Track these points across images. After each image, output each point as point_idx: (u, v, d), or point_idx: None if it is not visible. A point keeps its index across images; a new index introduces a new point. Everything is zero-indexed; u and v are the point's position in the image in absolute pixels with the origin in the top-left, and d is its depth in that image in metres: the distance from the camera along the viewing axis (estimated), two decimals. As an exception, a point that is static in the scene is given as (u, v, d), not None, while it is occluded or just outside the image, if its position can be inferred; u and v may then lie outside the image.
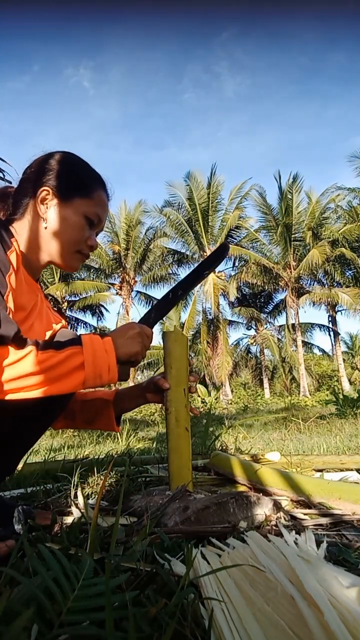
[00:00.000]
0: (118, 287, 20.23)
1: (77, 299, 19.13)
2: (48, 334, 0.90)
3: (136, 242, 19.50)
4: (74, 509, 0.92)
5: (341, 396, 6.23)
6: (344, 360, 22.71)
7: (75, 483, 1.11)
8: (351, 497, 0.87)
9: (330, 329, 20.92)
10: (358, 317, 18.00)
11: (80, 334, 0.79)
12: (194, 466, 1.44)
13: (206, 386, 18.11)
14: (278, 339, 21.42)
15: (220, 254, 1.06)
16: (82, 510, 0.89)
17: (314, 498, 0.91)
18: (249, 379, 25.77)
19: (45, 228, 0.85)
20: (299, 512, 0.86)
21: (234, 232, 19.22)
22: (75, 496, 1.02)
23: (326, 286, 18.73)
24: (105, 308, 20.47)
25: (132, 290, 20.30)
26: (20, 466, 1.41)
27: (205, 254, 19.14)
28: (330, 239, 16.94)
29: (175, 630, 0.41)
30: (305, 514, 0.85)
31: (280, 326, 21.98)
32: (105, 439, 3.25)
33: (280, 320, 22.31)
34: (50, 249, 0.87)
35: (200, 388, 14.83)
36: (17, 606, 0.40)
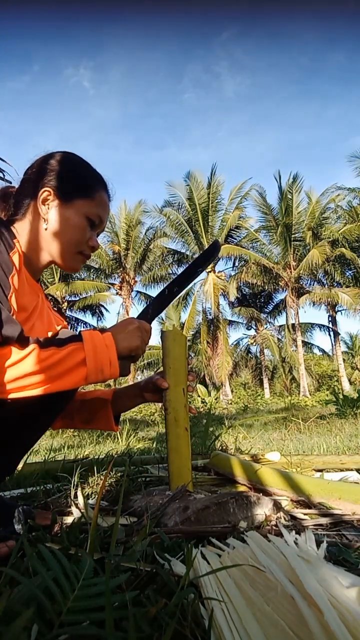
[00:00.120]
0: (118, 287, 20.23)
1: (77, 299, 19.13)
2: (49, 335, 0.90)
3: (136, 242, 19.50)
4: (74, 509, 0.92)
5: (341, 396, 6.23)
6: (344, 360, 22.71)
7: (75, 483, 1.11)
8: (351, 497, 0.87)
9: (330, 329, 20.92)
10: (358, 317, 18.01)
11: (80, 331, 0.79)
12: (194, 466, 1.44)
13: (206, 386, 18.11)
14: (278, 339, 21.42)
15: (212, 251, 1.07)
16: (82, 510, 0.89)
17: (314, 498, 0.91)
18: (249, 379, 25.76)
19: (46, 229, 0.86)
20: (299, 512, 0.86)
21: (234, 232, 19.23)
22: (75, 496, 1.02)
23: (326, 286, 18.73)
24: (105, 308, 20.48)
25: (132, 290, 20.31)
26: (20, 466, 1.41)
27: (205, 254, 19.11)
28: (330, 239, 16.94)
29: (175, 630, 0.41)
30: (305, 514, 0.85)
31: (280, 326, 21.99)
32: (105, 439, 3.25)
33: (280, 320, 22.35)
34: (51, 250, 0.87)
35: (200, 388, 14.83)
36: (17, 606, 0.40)
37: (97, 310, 20.24)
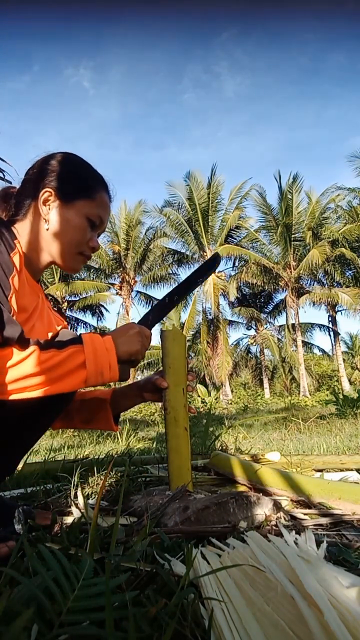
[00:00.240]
0: (118, 287, 20.23)
1: (77, 299, 19.13)
2: (49, 335, 0.90)
3: (136, 242, 19.50)
4: (74, 509, 0.92)
5: (341, 396, 6.23)
6: (344, 360, 22.71)
7: (75, 483, 1.11)
8: (351, 497, 0.87)
9: (330, 329, 20.92)
10: (358, 317, 18.02)
11: (80, 334, 0.79)
12: (194, 466, 1.44)
13: (206, 386, 18.11)
14: (278, 339, 21.42)
15: (213, 263, 1.09)
16: (82, 510, 0.89)
17: (314, 498, 0.91)
18: (249, 379, 25.76)
19: (47, 229, 0.86)
20: (299, 512, 0.86)
21: (234, 232, 19.22)
22: (75, 496, 1.02)
23: (326, 286, 18.73)
24: (105, 308, 20.49)
25: (132, 290, 20.30)
26: (20, 466, 1.41)
27: (205, 254, 19.15)
28: (330, 239, 16.94)
29: (175, 630, 0.41)
30: (305, 514, 0.85)
31: (280, 326, 21.98)
32: (105, 439, 3.25)
33: (280, 320, 22.34)
34: (51, 250, 0.87)
35: (200, 388, 14.84)
36: (17, 606, 0.40)
37: (97, 310, 20.25)
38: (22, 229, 0.87)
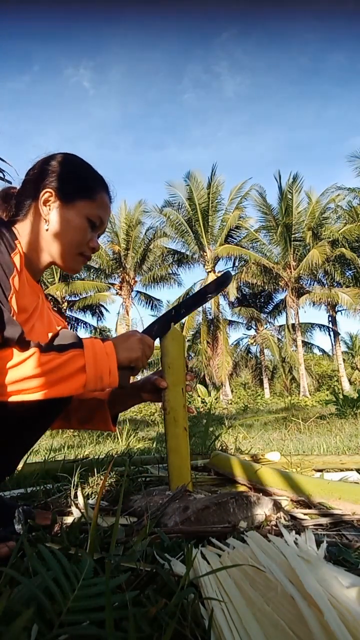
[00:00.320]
0: (118, 287, 20.23)
1: (77, 299, 19.13)
2: (49, 336, 0.90)
3: (136, 242, 19.50)
4: (74, 509, 0.92)
5: (341, 396, 6.22)
6: (344, 360, 22.71)
7: (75, 483, 1.11)
8: (351, 497, 0.87)
9: (330, 329, 20.92)
10: (358, 317, 18.02)
11: (81, 338, 0.79)
12: (194, 466, 1.44)
13: (206, 386, 18.09)
14: (278, 339, 21.42)
15: (224, 281, 1.09)
16: (82, 510, 0.89)
17: (314, 498, 0.91)
18: (249, 379, 25.76)
19: (47, 230, 0.86)
20: (299, 512, 0.86)
21: (234, 232, 19.22)
22: (75, 496, 1.02)
23: (326, 286, 18.73)
24: (105, 308, 20.49)
25: (132, 290, 20.30)
26: (20, 466, 1.41)
27: (205, 254, 19.15)
28: (330, 239, 16.94)
29: (175, 630, 0.41)
30: (305, 514, 0.85)
31: (280, 326, 21.99)
32: (105, 439, 3.25)
33: (280, 320, 22.35)
34: (52, 251, 0.87)
35: (200, 388, 14.82)
36: (17, 606, 0.40)
37: (97, 310, 20.25)
38: (22, 230, 0.87)
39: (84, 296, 18.82)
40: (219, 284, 1.08)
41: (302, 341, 20.26)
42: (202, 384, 18.30)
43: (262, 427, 4.39)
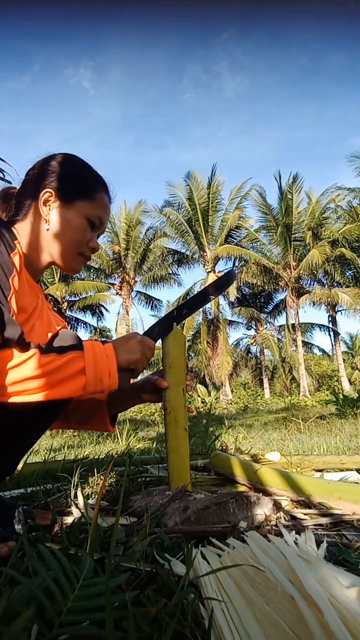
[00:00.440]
0: (118, 287, 20.23)
1: (77, 299, 19.13)
2: (49, 336, 0.90)
3: (136, 242, 19.50)
4: (74, 509, 0.92)
5: (341, 396, 6.22)
6: (344, 360, 22.71)
7: (75, 483, 1.11)
8: (351, 497, 0.87)
9: (330, 329, 20.92)
10: (358, 317, 18.02)
11: (82, 340, 0.79)
12: (194, 466, 1.44)
13: (206, 386, 18.09)
14: (278, 339, 21.42)
15: (227, 280, 1.07)
16: (82, 510, 0.89)
17: (314, 498, 0.91)
18: (249, 379, 25.76)
19: (47, 230, 0.86)
20: (299, 512, 0.86)
21: (234, 232, 19.22)
22: (75, 496, 1.02)
23: (326, 286, 18.73)
24: (105, 308, 20.51)
25: (132, 290, 20.31)
26: (20, 466, 1.41)
27: (205, 254, 19.16)
28: (330, 239, 16.94)
29: (175, 630, 0.41)
30: (305, 514, 0.85)
31: (280, 326, 21.99)
32: (105, 439, 3.25)
33: (280, 320, 22.35)
34: (51, 251, 0.87)
35: (200, 388, 14.82)
36: (17, 606, 0.40)
37: (97, 310, 20.26)
38: (22, 230, 0.87)
39: (84, 296, 18.83)
40: (222, 283, 1.06)
41: (302, 341, 20.26)
42: (202, 384, 18.29)
43: (262, 427, 4.39)
